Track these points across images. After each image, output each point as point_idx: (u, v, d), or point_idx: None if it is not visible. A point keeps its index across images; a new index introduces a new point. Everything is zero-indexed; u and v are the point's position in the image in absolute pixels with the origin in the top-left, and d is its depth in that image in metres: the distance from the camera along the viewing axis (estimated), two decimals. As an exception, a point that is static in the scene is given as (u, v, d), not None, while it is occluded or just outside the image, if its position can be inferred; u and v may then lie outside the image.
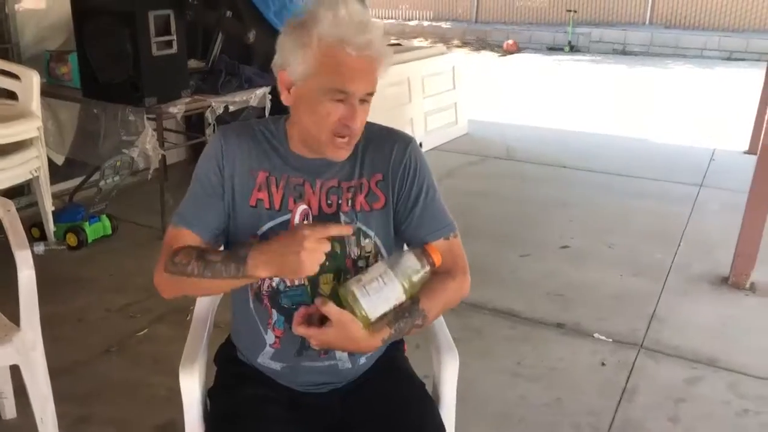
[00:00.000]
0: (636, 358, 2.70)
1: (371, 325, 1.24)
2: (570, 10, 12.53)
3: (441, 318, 1.60)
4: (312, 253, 1.16)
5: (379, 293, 1.22)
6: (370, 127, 1.41)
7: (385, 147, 1.41)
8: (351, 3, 1.26)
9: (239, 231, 1.38)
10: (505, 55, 11.90)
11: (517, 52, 12.13)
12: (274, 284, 1.36)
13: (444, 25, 13.98)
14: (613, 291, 3.26)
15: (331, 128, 1.29)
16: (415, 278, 1.25)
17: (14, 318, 1.91)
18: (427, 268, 1.27)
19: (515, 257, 3.60)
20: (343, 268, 1.36)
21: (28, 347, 1.88)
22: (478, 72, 9.37)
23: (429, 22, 14.28)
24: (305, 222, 1.35)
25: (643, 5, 12.85)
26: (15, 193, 3.72)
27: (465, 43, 12.91)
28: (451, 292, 1.37)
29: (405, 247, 1.46)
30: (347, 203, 1.38)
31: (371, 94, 1.31)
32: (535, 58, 11.57)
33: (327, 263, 1.23)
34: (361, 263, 1.37)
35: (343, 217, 1.37)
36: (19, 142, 3.25)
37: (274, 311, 1.38)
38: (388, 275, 1.23)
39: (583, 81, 9.36)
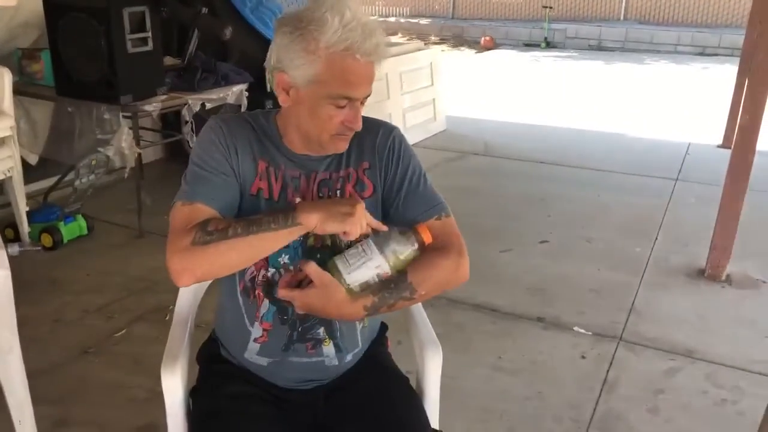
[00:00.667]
0: (615, 351, 2.73)
1: (353, 294, 1.26)
2: (546, 6, 12.60)
3: (423, 312, 1.60)
4: (359, 219, 1.22)
5: (359, 261, 1.25)
6: None
7: (370, 135, 1.41)
8: (354, 4, 1.25)
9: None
10: (481, 52, 11.94)
11: (494, 48, 12.18)
12: (269, 275, 1.35)
13: (421, 21, 13.99)
14: (592, 285, 3.29)
15: (333, 130, 1.31)
16: (402, 255, 1.28)
17: (-11, 320, 1.88)
18: (415, 245, 1.29)
19: (495, 253, 3.62)
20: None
21: (4, 350, 1.84)
22: (455, 68, 9.40)
23: (406, 19, 14.28)
24: None
25: (618, 1, 12.97)
26: (-12, 193, 3.67)
27: (442, 40, 12.93)
28: (444, 271, 1.33)
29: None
30: (336, 194, 1.38)
31: (368, 97, 1.33)
32: (511, 54, 11.62)
33: (319, 255, 1.32)
34: None
35: None
36: (-9, 142, 3.19)
37: (264, 303, 1.36)
38: (369, 246, 1.26)
39: (560, 77, 9.42)
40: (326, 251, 1.34)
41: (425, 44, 7.07)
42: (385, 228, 1.28)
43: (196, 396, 1.44)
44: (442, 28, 13.53)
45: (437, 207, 1.41)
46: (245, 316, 1.38)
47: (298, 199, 1.36)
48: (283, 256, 1.33)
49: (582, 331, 2.88)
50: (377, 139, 1.42)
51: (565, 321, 2.95)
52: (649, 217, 4.13)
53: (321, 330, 1.37)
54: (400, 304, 1.31)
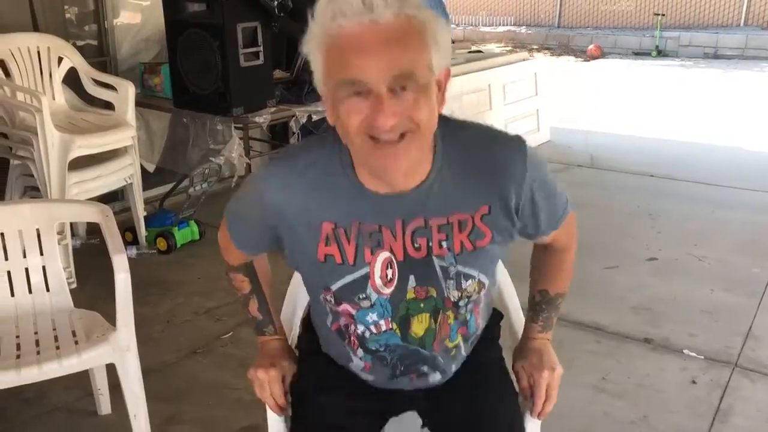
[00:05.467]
0: (730, 377, 2.57)
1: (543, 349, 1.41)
2: (657, 14, 12.11)
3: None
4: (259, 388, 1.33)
5: None
6: (461, 131, 1.13)
7: (488, 167, 1.11)
8: None
9: (311, 285, 1.27)
10: (588, 61, 11.63)
11: (601, 58, 11.83)
12: (359, 331, 1.22)
13: (524, 30, 13.80)
14: (704, 306, 3.12)
15: (359, 132, 0.99)
16: None
17: (110, 318, 2.01)
18: None
19: (600, 269, 3.50)
20: (441, 307, 1.20)
21: (123, 347, 1.96)
22: (560, 78, 9.19)
23: (509, 28, 14.12)
24: (388, 272, 1.15)
25: (737, 6, 12.28)
26: (110, 198, 3.91)
27: (546, 49, 12.69)
28: (569, 264, 1.37)
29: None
30: (439, 245, 1.14)
31: (409, 76, 0.96)
32: (620, 64, 11.24)
33: (422, 304, 1.19)
34: (462, 303, 1.21)
35: (437, 261, 1.15)
36: (114, 151, 3.41)
37: (359, 350, 1.25)
38: None
39: (672, 87, 9.02)
40: (430, 299, 1.19)
41: (529, 53, 6.96)
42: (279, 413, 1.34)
43: (297, 396, 1.36)
44: (547, 36, 13.28)
45: (564, 210, 1.29)
46: (346, 348, 1.28)
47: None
48: (371, 314, 1.20)
49: (693, 354, 2.73)
50: (503, 173, 1.11)
51: (675, 343, 2.81)
52: (769, 235, 3.88)
53: (425, 367, 1.27)
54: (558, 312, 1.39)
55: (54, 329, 2.06)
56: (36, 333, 2.03)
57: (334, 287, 1.18)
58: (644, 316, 3.03)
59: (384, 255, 1.14)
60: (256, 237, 1.28)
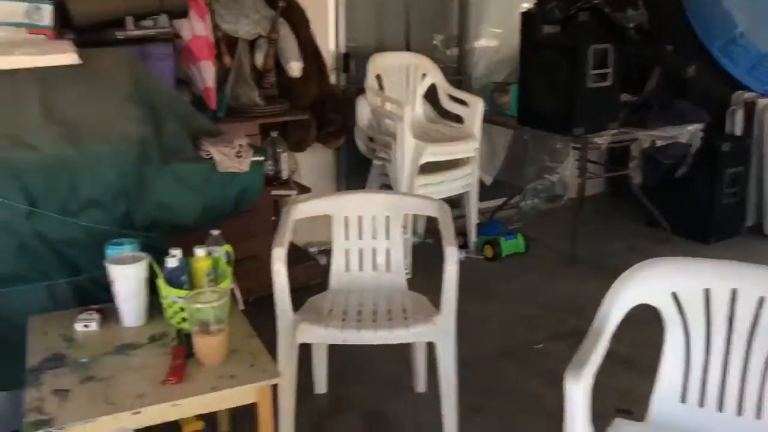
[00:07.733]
0: None
1: None
2: None
3: None
4: None
5: None
6: None
7: None
8: None
9: None
10: None
11: None
12: None
13: None
14: None
15: None
16: None
17: (434, 305, 2.22)
18: None
19: None
20: None
21: (444, 330, 2.16)
22: None
23: None
24: None
25: None
26: (448, 204, 4.23)
27: None
28: None
29: None
30: None
31: None
32: None
33: None
34: None
35: None
36: (458, 160, 3.71)
37: None
38: None
39: None
40: None
41: None
42: None
43: None
44: None
45: None
46: None
47: None
48: None
49: None
50: None
51: None
52: None
53: None
54: None
55: (388, 305, 2.33)
56: (375, 305, 2.33)
57: None
58: None
59: None
60: None
